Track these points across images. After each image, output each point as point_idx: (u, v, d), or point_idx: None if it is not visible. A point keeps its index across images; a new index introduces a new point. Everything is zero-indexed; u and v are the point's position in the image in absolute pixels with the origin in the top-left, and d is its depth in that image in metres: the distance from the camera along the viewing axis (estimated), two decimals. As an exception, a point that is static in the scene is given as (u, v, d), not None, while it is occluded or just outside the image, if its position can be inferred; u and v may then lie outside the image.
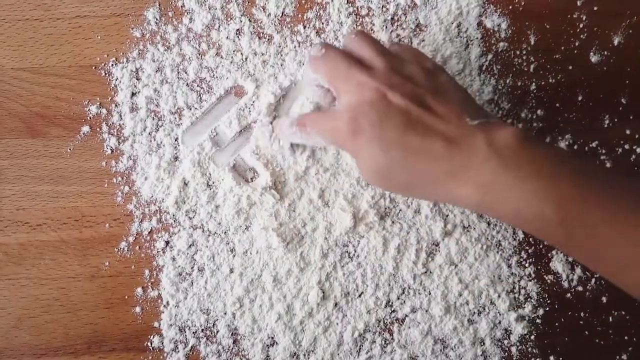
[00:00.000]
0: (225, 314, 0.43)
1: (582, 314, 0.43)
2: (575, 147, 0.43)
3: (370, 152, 0.33)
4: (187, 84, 0.43)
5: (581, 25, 0.43)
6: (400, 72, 0.35)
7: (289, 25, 0.43)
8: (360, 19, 0.43)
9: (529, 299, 0.43)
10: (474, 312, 0.43)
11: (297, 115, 0.40)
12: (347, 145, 0.35)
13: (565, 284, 0.43)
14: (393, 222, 0.43)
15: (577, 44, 0.43)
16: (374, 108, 0.33)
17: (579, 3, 0.43)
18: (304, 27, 0.43)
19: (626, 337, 0.43)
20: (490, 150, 0.31)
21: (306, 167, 0.42)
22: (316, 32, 0.43)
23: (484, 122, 0.33)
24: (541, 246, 0.43)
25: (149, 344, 0.43)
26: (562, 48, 0.43)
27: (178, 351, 0.43)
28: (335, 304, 0.43)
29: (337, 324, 0.43)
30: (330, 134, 0.36)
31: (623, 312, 0.43)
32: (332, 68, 0.36)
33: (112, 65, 0.43)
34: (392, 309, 0.43)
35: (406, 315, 0.43)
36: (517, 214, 0.31)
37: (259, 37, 0.43)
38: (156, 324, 0.43)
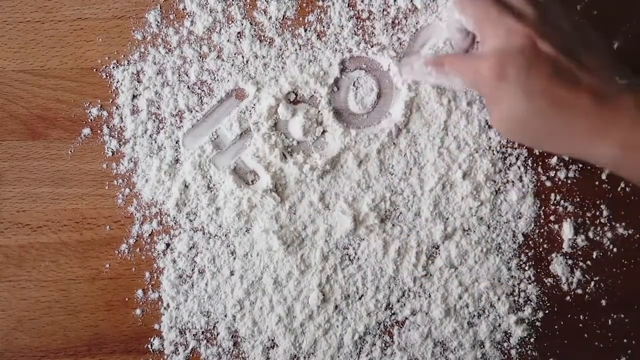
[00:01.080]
0: (225, 316, 0.43)
1: (581, 317, 0.43)
2: (575, 150, 0.43)
3: (513, 99, 0.33)
4: (188, 87, 0.43)
5: (581, 30, 0.43)
6: (550, 21, 0.34)
7: (290, 29, 0.43)
8: (361, 22, 0.43)
9: (528, 302, 0.43)
10: (474, 315, 0.43)
11: (431, 55, 0.39)
12: (488, 90, 0.34)
13: (565, 287, 0.43)
14: (393, 224, 0.43)
15: (576, 48, 0.43)
16: (523, 55, 0.33)
17: (578, 7, 0.43)
18: (305, 30, 0.43)
19: (625, 340, 0.43)
20: (639, 113, 0.31)
21: (306, 169, 0.42)
22: (317, 35, 0.43)
23: (633, 83, 0.33)
24: (541, 249, 0.43)
25: (149, 346, 0.43)
26: (562, 52, 0.43)
27: (178, 353, 0.43)
28: (336, 307, 0.43)
29: (338, 326, 0.43)
30: (471, 76, 0.35)
31: (622, 315, 0.43)
32: (482, 11, 0.35)
33: (113, 67, 0.43)
34: (392, 312, 0.43)
35: (406, 318, 0.43)
36: None
37: (260, 40, 0.43)
38: (156, 326, 0.43)
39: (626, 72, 0.34)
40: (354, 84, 0.43)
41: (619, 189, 0.43)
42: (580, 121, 0.32)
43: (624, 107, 0.32)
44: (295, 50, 0.43)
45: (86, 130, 0.43)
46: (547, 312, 0.43)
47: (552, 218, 0.43)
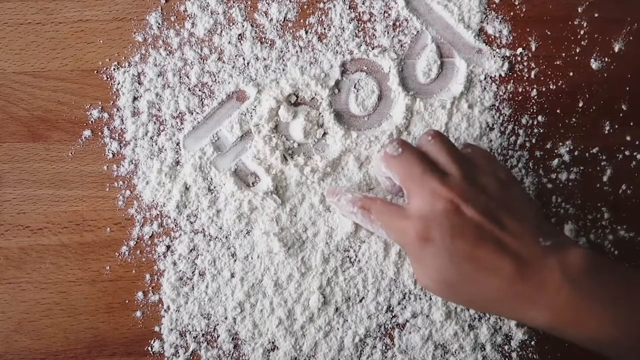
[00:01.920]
0: (226, 318, 0.43)
1: (582, 320, 0.43)
2: (576, 153, 0.43)
3: (437, 263, 0.33)
4: (188, 89, 0.43)
5: (582, 32, 0.43)
6: (475, 182, 0.34)
7: (291, 31, 0.43)
8: (362, 25, 0.43)
9: (529, 305, 0.43)
10: (475, 318, 0.43)
11: (360, 194, 0.39)
12: (413, 251, 0.34)
13: (566, 290, 0.43)
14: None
15: (577, 50, 0.43)
16: (447, 219, 0.33)
17: (579, 10, 0.43)
18: (306, 33, 0.43)
19: (626, 343, 0.43)
20: (564, 276, 0.31)
21: (307, 172, 0.42)
22: (318, 38, 0.43)
23: (555, 243, 0.33)
24: (542, 252, 0.43)
25: (149, 348, 0.43)
26: (563, 54, 0.43)
27: (179, 356, 0.43)
28: (336, 309, 0.43)
29: (338, 329, 0.43)
30: (396, 234, 0.35)
31: (623, 318, 0.43)
32: (407, 170, 0.35)
33: (114, 69, 0.43)
34: (393, 314, 0.43)
35: (407, 321, 0.43)
36: (594, 340, 0.32)
37: (260, 42, 0.43)
38: (157, 329, 0.43)
39: (548, 228, 0.34)
40: (355, 86, 0.43)
41: (620, 191, 0.43)
42: (506, 286, 0.32)
43: (547, 271, 0.32)
44: (296, 52, 0.43)
45: (87, 132, 0.43)
46: (548, 314, 0.43)
47: (553, 220, 0.43)
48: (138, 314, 0.43)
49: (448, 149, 0.36)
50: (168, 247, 0.43)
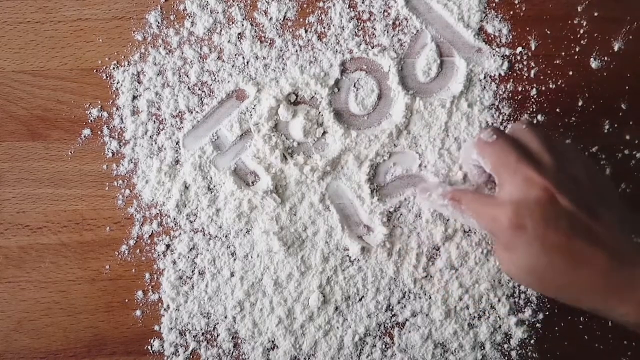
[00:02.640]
0: (225, 317, 0.43)
1: (581, 319, 0.43)
2: (575, 152, 0.43)
3: (529, 251, 0.33)
4: (188, 88, 0.43)
5: (581, 31, 0.43)
6: (567, 172, 0.34)
7: (291, 30, 0.43)
8: (362, 24, 0.43)
9: (529, 303, 0.43)
10: (474, 316, 0.43)
11: (451, 188, 0.39)
12: (504, 238, 0.34)
13: (565, 289, 0.43)
14: (394, 226, 0.43)
15: (577, 49, 0.43)
16: (540, 207, 0.33)
17: (579, 9, 0.43)
18: (306, 31, 0.43)
19: (625, 342, 0.43)
20: None
21: (307, 171, 0.42)
22: (317, 37, 0.43)
23: None
24: (541, 251, 0.43)
25: (149, 347, 0.43)
26: (563, 53, 0.43)
27: (178, 355, 0.43)
28: (336, 308, 0.43)
29: (338, 327, 0.43)
30: (487, 221, 0.35)
31: (622, 317, 0.43)
32: (501, 157, 0.35)
33: (114, 68, 0.43)
34: (393, 313, 0.43)
35: (406, 319, 0.43)
36: None
37: (260, 41, 0.43)
38: (156, 328, 0.43)
39: (637, 222, 0.34)
40: (354, 85, 0.43)
41: (619, 190, 0.43)
42: (598, 279, 0.32)
43: None
44: (296, 51, 0.43)
45: (86, 131, 0.43)
46: (547, 313, 0.43)
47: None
48: (138, 313, 0.43)
49: (541, 137, 0.35)
50: (168, 246, 0.43)
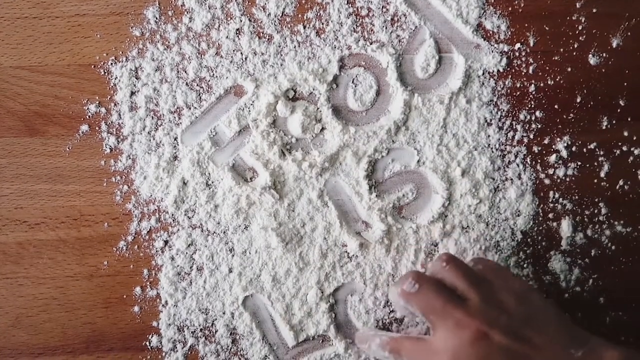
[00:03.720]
0: (224, 313, 0.43)
1: (579, 315, 0.43)
2: (573, 148, 0.43)
3: None
4: (186, 83, 0.43)
5: (580, 27, 0.43)
6: (495, 303, 0.35)
7: (289, 25, 0.43)
8: (361, 20, 0.43)
9: (526, 300, 0.43)
10: (472, 313, 0.43)
11: (388, 337, 0.39)
12: None
13: (563, 285, 0.43)
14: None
15: (576, 45, 0.43)
16: (475, 349, 0.33)
17: (578, 5, 0.43)
18: (304, 27, 0.43)
19: (623, 338, 0.43)
20: None
21: (305, 167, 0.42)
22: (316, 32, 0.43)
23: (588, 350, 0.33)
24: (539, 247, 0.43)
25: (147, 343, 0.43)
26: (561, 50, 0.43)
27: (177, 351, 0.43)
28: (334, 304, 0.43)
29: (336, 324, 0.43)
30: None
31: (620, 313, 0.43)
32: (428, 305, 0.36)
33: (112, 64, 0.43)
34: (391, 309, 0.43)
35: (405, 316, 0.43)
36: None
37: (258, 37, 0.43)
38: (155, 324, 0.43)
39: (576, 335, 0.35)
40: (353, 81, 0.43)
41: (617, 187, 0.43)
42: None
43: None
44: (294, 47, 0.43)
45: (84, 127, 0.43)
46: (545, 309, 0.43)
47: (550, 216, 0.43)
48: (136, 309, 0.43)
49: (464, 273, 0.36)
50: (166, 242, 0.43)
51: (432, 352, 0.35)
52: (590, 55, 0.43)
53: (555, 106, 0.43)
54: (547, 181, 0.43)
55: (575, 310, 0.43)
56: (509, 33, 0.43)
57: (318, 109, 0.43)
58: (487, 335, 0.34)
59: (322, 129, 0.43)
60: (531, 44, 0.43)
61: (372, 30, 0.43)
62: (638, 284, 0.43)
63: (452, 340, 0.34)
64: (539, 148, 0.43)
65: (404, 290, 0.37)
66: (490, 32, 0.43)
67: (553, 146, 0.43)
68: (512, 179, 0.43)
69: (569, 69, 0.43)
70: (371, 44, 0.43)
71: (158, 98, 0.43)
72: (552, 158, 0.43)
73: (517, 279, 0.38)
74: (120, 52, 0.43)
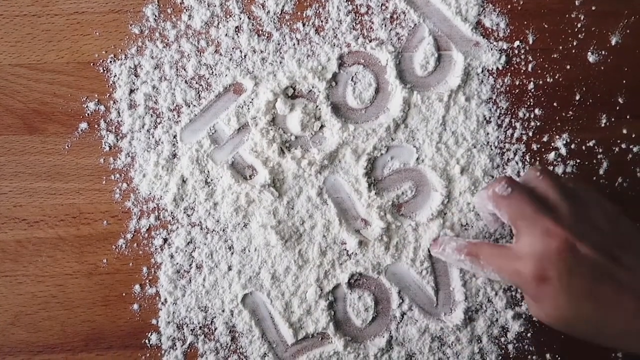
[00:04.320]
0: (223, 311, 0.43)
1: (578, 312, 0.43)
2: (572, 146, 0.43)
3: (557, 302, 0.33)
4: (185, 81, 0.43)
5: (579, 25, 0.43)
6: (586, 218, 0.34)
7: (288, 23, 0.43)
8: (360, 17, 0.43)
9: (526, 297, 0.43)
10: (471, 310, 0.43)
11: (465, 241, 0.39)
12: (530, 291, 0.34)
13: (562, 282, 0.43)
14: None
15: (575, 43, 0.43)
16: (562, 258, 0.33)
17: (577, 3, 0.43)
18: (303, 25, 0.43)
19: (622, 335, 0.43)
20: None
21: (304, 164, 0.42)
22: (315, 30, 0.43)
23: None
24: (538, 244, 0.43)
25: (146, 341, 0.43)
26: (560, 47, 0.43)
27: (176, 348, 0.43)
28: (334, 302, 0.43)
29: (335, 321, 0.43)
30: (511, 275, 0.35)
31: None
32: (517, 210, 0.35)
33: (111, 61, 0.43)
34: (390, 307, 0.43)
35: (404, 313, 0.43)
36: None
37: (258, 35, 0.43)
38: (154, 321, 0.43)
39: None
40: (352, 79, 0.43)
41: (616, 184, 0.43)
42: (629, 323, 0.32)
43: None
44: (294, 44, 0.43)
45: (83, 125, 0.43)
46: (544, 307, 0.43)
47: (549, 213, 0.43)
48: (135, 306, 0.43)
49: (557, 184, 0.35)
50: (165, 239, 0.43)
51: (514, 257, 0.34)
52: (589, 53, 0.43)
53: (554, 104, 0.43)
54: (546, 179, 0.43)
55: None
56: (508, 31, 0.43)
57: (317, 106, 0.43)
58: (575, 247, 0.33)
59: (322, 126, 0.43)
60: (530, 42, 0.43)
61: (371, 28, 0.43)
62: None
63: (539, 247, 0.33)
64: (538, 146, 0.43)
65: (495, 192, 0.36)
66: (490, 30, 0.43)
67: (552, 144, 0.43)
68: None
69: (568, 67, 0.43)
70: (370, 41, 0.43)
71: (157, 96, 0.43)
72: (551, 155, 0.43)
73: (609, 202, 0.36)
74: (120, 50, 0.43)
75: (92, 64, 0.43)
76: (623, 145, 0.44)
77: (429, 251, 0.42)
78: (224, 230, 0.43)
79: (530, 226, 0.34)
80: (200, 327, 0.43)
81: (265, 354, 0.42)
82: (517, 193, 0.35)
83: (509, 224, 0.36)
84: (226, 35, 0.43)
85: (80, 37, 0.43)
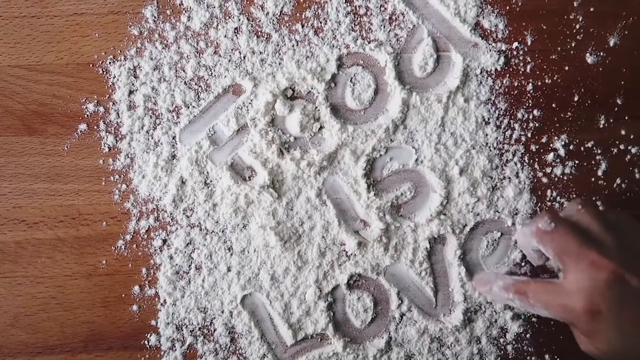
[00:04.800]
0: (222, 312, 0.43)
1: (577, 313, 0.43)
2: (571, 147, 0.43)
3: (609, 335, 0.33)
4: (185, 82, 0.43)
5: (577, 26, 0.43)
6: (630, 248, 0.34)
7: (287, 24, 0.43)
8: (359, 18, 0.43)
9: (524, 298, 0.43)
10: (471, 311, 0.43)
11: (512, 279, 0.39)
12: (581, 325, 0.34)
13: (561, 283, 0.43)
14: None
15: (573, 44, 0.43)
16: (612, 290, 0.33)
17: (575, 4, 0.43)
18: (302, 26, 0.43)
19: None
20: None
21: (304, 165, 0.42)
22: (314, 31, 0.43)
23: None
24: (537, 245, 0.43)
25: (146, 342, 0.43)
26: (559, 48, 0.43)
27: (175, 349, 0.43)
28: (332, 302, 0.43)
29: (334, 322, 0.43)
30: (560, 311, 0.35)
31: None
32: (563, 245, 0.35)
33: (110, 63, 0.43)
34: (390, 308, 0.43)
35: (403, 314, 0.43)
36: None
37: (257, 36, 0.43)
38: (153, 322, 0.43)
39: None
40: (351, 80, 0.43)
41: (614, 185, 0.44)
42: None
43: None
44: (293, 46, 0.43)
45: (82, 126, 0.43)
46: (543, 307, 0.43)
47: (548, 214, 0.43)
48: (134, 307, 0.43)
49: (599, 217, 0.36)
50: (164, 241, 0.43)
51: (563, 293, 0.34)
52: (587, 54, 0.44)
53: (553, 105, 0.43)
54: (544, 180, 0.43)
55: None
56: (507, 32, 0.43)
57: (316, 107, 0.43)
58: (623, 277, 0.33)
59: (321, 127, 0.43)
60: (529, 43, 0.43)
61: (370, 29, 0.43)
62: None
63: (587, 282, 0.33)
64: (537, 146, 0.43)
65: (539, 228, 0.36)
66: (488, 31, 0.43)
67: (551, 145, 0.43)
68: (509, 178, 0.43)
69: (567, 68, 0.43)
70: (369, 42, 0.43)
71: (156, 97, 0.43)
72: (550, 156, 0.43)
73: None
74: (119, 51, 0.43)
75: (91, 65, 0.43)
76: (621, 146, 0.44)
77: (474, 287, 0.42)
78: (223, 231, 0.43)
79: (576, 260, 0.34)
80: (199, 328, 0.43)
81: (264, 355, 0.42)
82: (561, 227, 0.35)
83: (555, 259, 0.36)
84: (225, 36, 0.43)
85: (80, 39, 0.43)
